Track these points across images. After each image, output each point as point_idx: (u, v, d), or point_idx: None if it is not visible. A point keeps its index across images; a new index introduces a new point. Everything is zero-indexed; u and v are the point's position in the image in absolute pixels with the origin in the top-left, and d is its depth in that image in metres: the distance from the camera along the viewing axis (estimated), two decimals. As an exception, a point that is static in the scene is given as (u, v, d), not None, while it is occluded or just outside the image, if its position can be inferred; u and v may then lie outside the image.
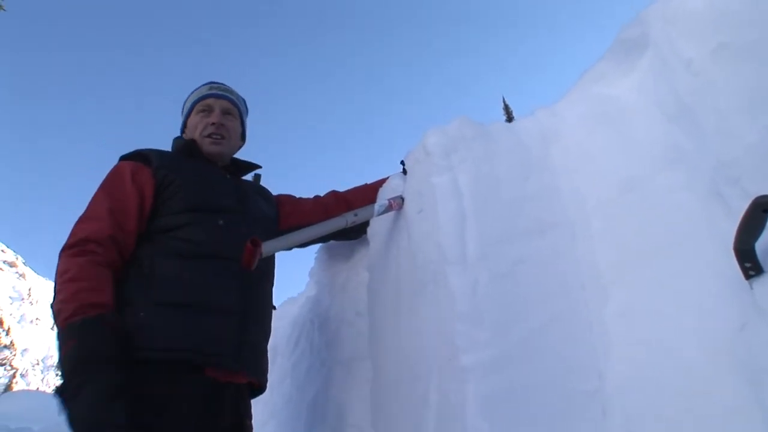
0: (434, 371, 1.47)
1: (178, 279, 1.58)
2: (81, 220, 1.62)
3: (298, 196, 2.17)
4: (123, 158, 1.79)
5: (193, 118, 1.96)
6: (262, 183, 2.11)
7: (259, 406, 2.27)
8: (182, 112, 2.07)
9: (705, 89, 1.32)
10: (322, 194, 2.19)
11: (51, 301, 1.50)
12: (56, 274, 1.52)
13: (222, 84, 2.07)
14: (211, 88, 2.02)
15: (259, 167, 2.04)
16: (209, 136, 1.90)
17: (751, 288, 1.14)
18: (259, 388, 1.75)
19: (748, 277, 1.14)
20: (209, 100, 1.97)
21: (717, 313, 1.23)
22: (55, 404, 1.38)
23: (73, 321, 1.42)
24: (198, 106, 1.97)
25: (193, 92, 2.04)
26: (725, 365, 1.18)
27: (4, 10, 12.76)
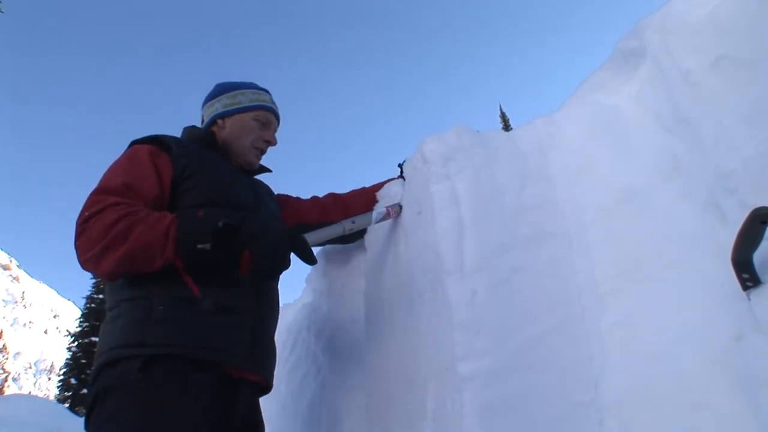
0: (431, 380, 1.46)
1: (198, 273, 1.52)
2: (95, 192, 1.49)
3: (295, 196, 2.15)
4: (136, 142, 1.69)
5: (249, 122, 1.91)
6: (266, 182, 2.08)
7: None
8: (214, 96, 1.96)
9: (704, 100, 1.33)
10: (320, 196, 2.17)
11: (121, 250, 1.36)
12: (103, 229, 1.38)
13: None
14: (272, 102, 1.99)
15: (270, 171, 2.03)
16: (258, 149, 1.92)
17: (749, 299, 1.14)
18: (266, 387, 1.73)
19: (745, 288, 1.15)
20: (270, 115, 1.96)
21: (714, 323, 1.23)
22: (46, 409, 1.32)
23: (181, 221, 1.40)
24: (259, 114, 1.93)
25: (244, 88, 1.96)
26: (721, 376, 1.18)
27: (2, 12, 12.76)
